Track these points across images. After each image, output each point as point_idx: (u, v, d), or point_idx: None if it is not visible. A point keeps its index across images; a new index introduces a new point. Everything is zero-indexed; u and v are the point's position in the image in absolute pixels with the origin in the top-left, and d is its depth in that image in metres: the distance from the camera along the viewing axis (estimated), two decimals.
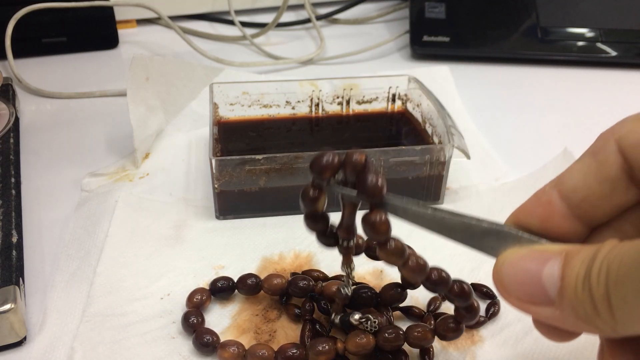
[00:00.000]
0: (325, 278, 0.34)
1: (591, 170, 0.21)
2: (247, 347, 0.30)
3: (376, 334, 0.29)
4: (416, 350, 0.31)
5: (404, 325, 0.32)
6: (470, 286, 0.28)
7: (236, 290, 0.34)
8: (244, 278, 0.34)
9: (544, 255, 0.19)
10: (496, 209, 0.41)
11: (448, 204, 0.42)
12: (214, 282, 0.34)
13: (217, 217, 0.40)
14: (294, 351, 0.29)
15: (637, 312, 0.15)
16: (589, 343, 0.31)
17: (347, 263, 0.29)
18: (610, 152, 0.21)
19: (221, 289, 0.33)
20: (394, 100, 0.48)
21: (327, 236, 0.28)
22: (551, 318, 0.18)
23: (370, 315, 0.29)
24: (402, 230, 0.39)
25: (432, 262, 0.37)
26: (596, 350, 0.31)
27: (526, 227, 0.22)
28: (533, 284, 0.19)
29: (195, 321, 0.31)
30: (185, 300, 0.33)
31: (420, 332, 0.29)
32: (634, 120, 0.21)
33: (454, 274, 0.36)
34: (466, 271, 0.36)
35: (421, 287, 0.35)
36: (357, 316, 0.29)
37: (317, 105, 0.48)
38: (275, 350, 0.29)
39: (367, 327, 0.29)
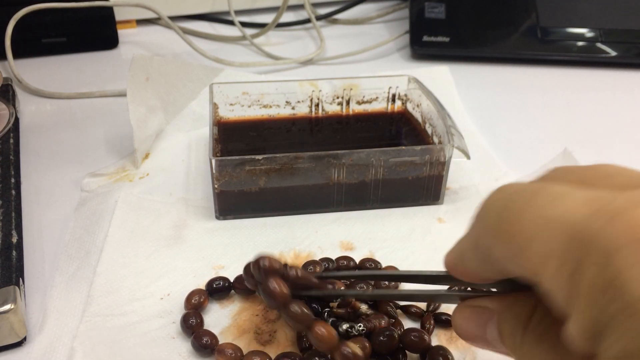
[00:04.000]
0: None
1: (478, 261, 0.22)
2: (246, 347, 0.30)
3: (370, 337, 0.29)
4: None
5: (405, 324, 0.32)
6: None
7: (233, 290, 0.34)
8: (240, 278, 0.34)
9: (481, 317, 0.22)
10: None
11: (448, 204, 0.42)
12: (210, 283, 0.34)
13: (217, 217, 0.40)
14: None
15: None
16: None
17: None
18: None
19: (217, 289, 0.33)
20: (393, 100, 0.48)
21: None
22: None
23: (355, 324, 0.30)
24: (402, 229, 0.39)
25: (432, 262, 0.37)
26: None
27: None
28: (485, 343, 0.23)
29: (193, 323, 0.31)
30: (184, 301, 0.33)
31: (417, 337, 0.30)
32: None
33: None
34: None
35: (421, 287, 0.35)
36: (345, 326, 0.30)
37: (317, 105, 0.48)
38: (272, 358, 0.29)
39: (354, 334, 0.30)
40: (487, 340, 0.22)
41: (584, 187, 0.17)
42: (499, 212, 0.19)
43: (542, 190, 0.18)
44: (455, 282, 0.25)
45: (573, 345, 0.16)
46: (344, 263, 0.35)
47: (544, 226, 0.17)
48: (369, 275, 0.34)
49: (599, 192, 0.17)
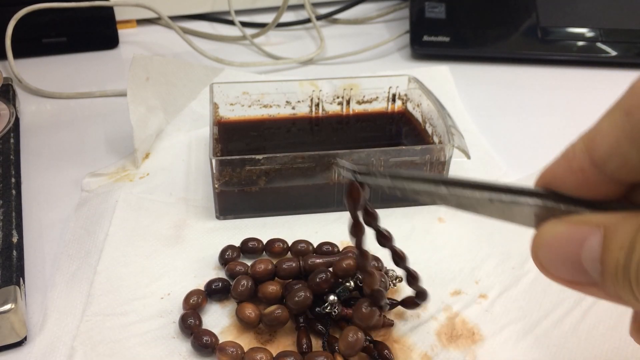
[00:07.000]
0: (314, 250, 0.36)
1: (625, 134, 0.18)
2: (247, 346, 0.30)
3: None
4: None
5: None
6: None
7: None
8: (236, 284, 0.33)
9: (581, 233, 0.17)
10: None
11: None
12: (209, 284, 0.34)
13: (217, 217, 0.40)
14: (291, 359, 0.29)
15: None
16: (589, 343, 0.31)
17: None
18: None
19: (216, 291, 0.33)
20: (394, 100, 0.48)
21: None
22: (596, 295, 0.18)
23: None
24: (402, 229, 0.39)
25: (432, 262, 0.37)
26: (597, 350, 0.31)
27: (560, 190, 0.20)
28: (573, 267, 0.18)
29: (192, 323, 0.31)
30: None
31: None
32: None
33: (454, 274, 0.36)
34: (466, 271, 0.36)
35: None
36: (331, 297, 0.31)
37: (317, 105, 0.48)
38: (274, 355, 0.29)
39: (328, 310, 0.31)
40: (579, 265, 0.17)
41: None
42: None
43: None
44: (544, 198, 0.20)
45: None
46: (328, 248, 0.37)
47: None
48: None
49: None
